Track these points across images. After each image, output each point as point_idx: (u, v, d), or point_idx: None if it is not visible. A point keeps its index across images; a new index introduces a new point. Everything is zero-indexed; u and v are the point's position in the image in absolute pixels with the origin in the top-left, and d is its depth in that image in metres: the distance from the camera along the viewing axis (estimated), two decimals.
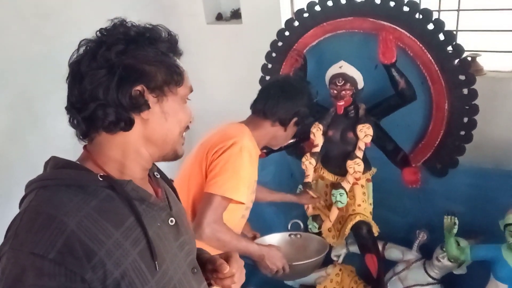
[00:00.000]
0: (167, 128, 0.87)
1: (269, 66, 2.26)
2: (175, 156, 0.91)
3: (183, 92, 0.88)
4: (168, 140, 0.88)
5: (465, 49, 1.83)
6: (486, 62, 2.19)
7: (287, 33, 2.17)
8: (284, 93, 1.62)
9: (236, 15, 3.02)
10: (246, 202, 1.56)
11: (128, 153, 0.85)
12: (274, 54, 2.23)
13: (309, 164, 1.99)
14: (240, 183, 1.47)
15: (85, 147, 0.87)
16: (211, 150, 1.49)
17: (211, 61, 3.04)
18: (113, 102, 0.79)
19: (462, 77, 1.83)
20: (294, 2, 2.71)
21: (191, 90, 0.91)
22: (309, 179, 2.01)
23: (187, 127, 0.91)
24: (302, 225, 2.02)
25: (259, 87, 2.34)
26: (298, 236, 1.91)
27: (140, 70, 0.81)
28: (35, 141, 2.12)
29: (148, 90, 0.83)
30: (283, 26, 2.23)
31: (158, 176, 0.99)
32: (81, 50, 0.81)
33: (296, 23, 2.13)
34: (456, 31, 2.27)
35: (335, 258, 2.19)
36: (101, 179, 0.80)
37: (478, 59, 2.17)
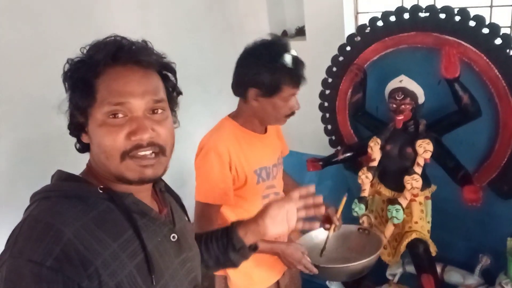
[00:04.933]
0: (96, 153, 0.83)
1: (329, 80, 2.29)
2: (126, 181, 0.83)
3: (99, 112, 0.80)
4: (106, 165, 0.82)
5: None
6: None
7: (348, 48, 2.19)
8: (238, 67, 1.49)
9: (301, 32, 3.09)
10: (252, 196, 1.55)
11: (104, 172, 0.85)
12: (334, 69, 2.26)
13: (365, 178, 1.97)
14: (214, 187, 1.48)
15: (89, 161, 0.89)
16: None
17: None
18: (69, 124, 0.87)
19: None
20: (359, 19, 2.74)
21: (120, 103, 0.80)
22: (365, 193, 1.98)
23: (134, 148, 0.80)
24: (388, 227, 1.91)
25: (319, 101, 2.39)
26: (366, 232, 1.79)
27: (68, 93, 0.84)
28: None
29: (77, 113, 0.82)
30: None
31: (164, 192, 0.98)
32: None
33: (358, 38, 2.15)
34: None
35: (390, 277, 2.12)
36: (101, 191, 0.81)
37: None
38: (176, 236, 0.91)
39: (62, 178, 0.85)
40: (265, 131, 1.64)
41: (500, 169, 1.88)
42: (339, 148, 2.34)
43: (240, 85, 1.49)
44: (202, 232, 1.13)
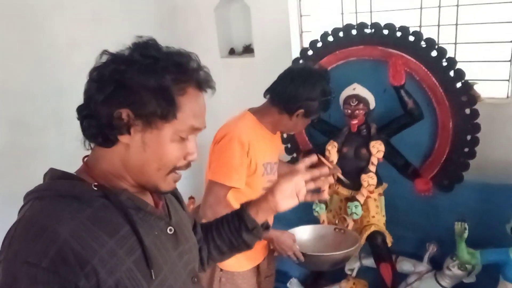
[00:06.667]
0: (144, 159, 0.83)
1: None
2: (155, 190, 0.87)
3: (173, 129, 0.82)
4: (144, 172, 0.84)
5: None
6: (482, 90, 2.38)
7: (301, 62, 2.37)
8: (293, 83, 1.63)
9: (247, 50, 3.24)
10: (256, 186, 1.66)
11: (114, 170, 0.85)
12: None
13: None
14: (232, 170, 1.60)
15: (84, 160, 0.88)
16: (212, 142, 1.68)
17: (225, 92, 3.21)
18: (97, 117, 0.81)
19: (464, 98, 2.02)
20: (303, 37, 2.95)
21: (197, 129, 0.85)
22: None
23: (183, 166, 0.86)
24: (349, 223, 2.08)
25: None
26: (342, 231, 1.94)
27: (132, 94, 0.80)
28: (61, 159, 2.26)
29: (134, 116, 0.81)
30: (293, 58, 2.43)
31: None
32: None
33: (310, 52, 2.34)
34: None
35: (348, 272, 2.27)
36: (95, 188, 0.81)
37: (475, 87, 2.36)
38: (173, 229, 0.91)
39: (55, 176, 0.84)
40: (275, 131, 1.77)
41: (440, 165, 2.13)
42: (294, 155, 2.49)
43: (293, 103, 1.62)
44: (211, 221, 1.16)
